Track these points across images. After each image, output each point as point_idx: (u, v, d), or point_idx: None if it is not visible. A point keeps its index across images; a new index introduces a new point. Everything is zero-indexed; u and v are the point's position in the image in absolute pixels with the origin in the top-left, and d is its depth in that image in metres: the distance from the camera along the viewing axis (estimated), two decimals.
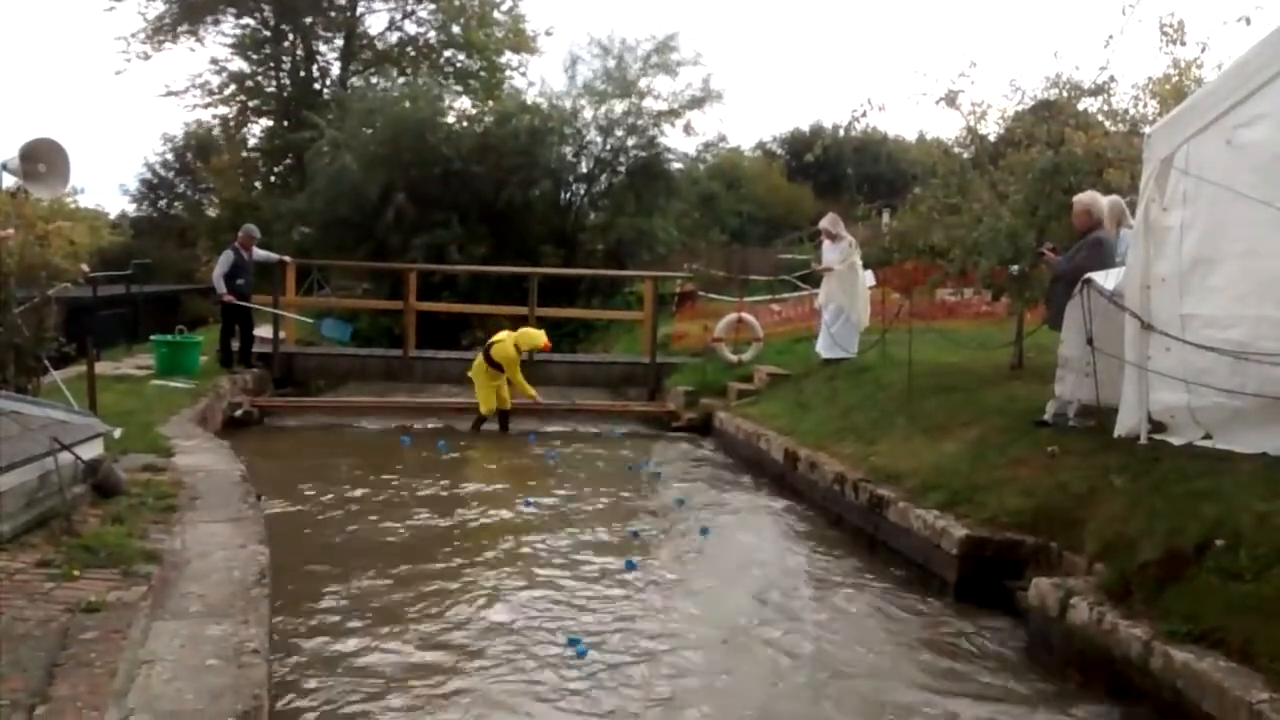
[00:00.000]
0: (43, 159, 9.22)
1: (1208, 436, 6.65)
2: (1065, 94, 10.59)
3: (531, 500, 9.41)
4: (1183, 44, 10.07)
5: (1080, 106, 10.72)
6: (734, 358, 14.76)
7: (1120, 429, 7.14)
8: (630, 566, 7.52)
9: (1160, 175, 6.92)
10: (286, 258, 16.00)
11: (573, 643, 5.86)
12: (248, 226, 14.87)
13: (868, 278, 13.27)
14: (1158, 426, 6.95)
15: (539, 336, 13.22)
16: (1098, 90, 10.55)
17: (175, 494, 7.11)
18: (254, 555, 5.88)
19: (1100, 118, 10.68)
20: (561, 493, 9.88)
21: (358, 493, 9.38)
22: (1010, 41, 55.45)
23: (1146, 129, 8.09)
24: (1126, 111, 10.66)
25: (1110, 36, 10.05)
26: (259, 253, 14.84)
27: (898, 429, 9.47)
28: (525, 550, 7.91)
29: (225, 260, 14.14)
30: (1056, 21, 55.42)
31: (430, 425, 13.42)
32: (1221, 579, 5.02)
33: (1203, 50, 10.04)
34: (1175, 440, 6.78)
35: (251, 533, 6.38)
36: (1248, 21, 8.47)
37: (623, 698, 5.20)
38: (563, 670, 5.52)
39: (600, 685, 5.33)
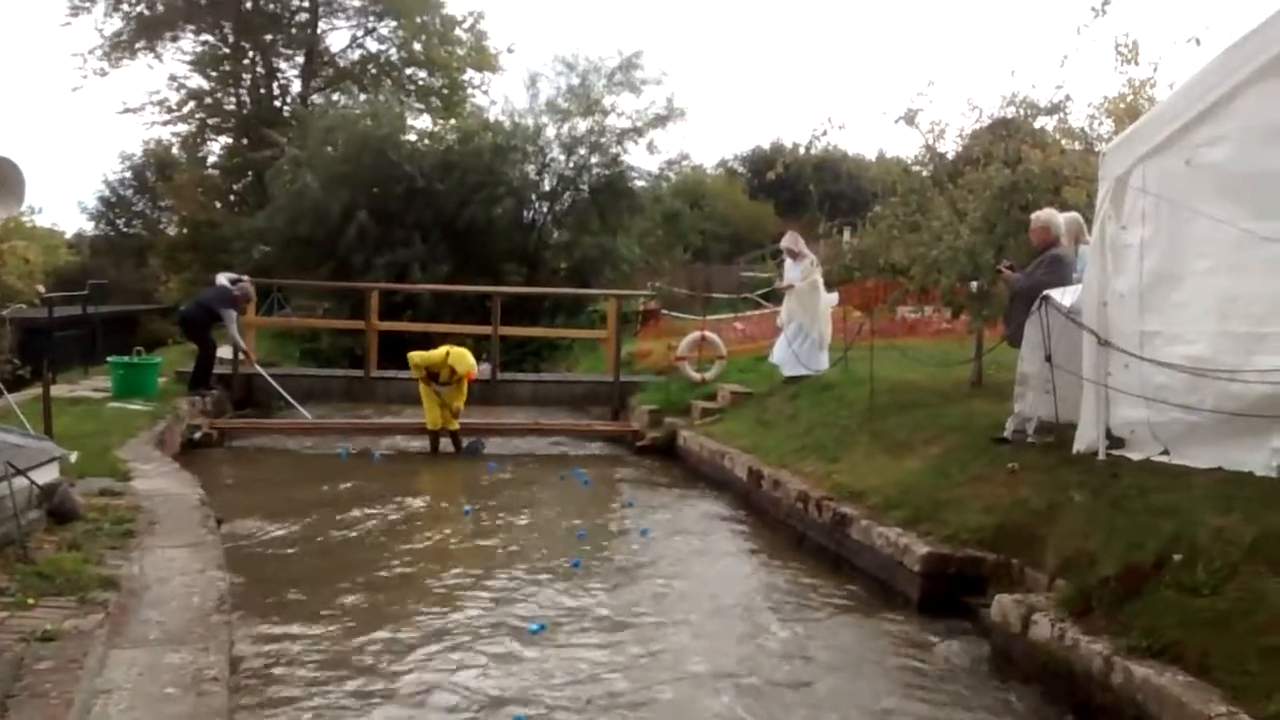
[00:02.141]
0: None
1: (1165, 452, 6.72)
2: (1022, 112, 10.75)
3: (471, 510, 9.75)
4: (1136, 64, 10.26)
5: (1037, 125, 10.90)
6: (698, 376, 14.78)
7: (1079, 445, 7.21)
8: (575, 565, 7.82)
9: (1116, 193, 7.02)
10: (245, 278, 15.85)
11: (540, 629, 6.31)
12: (247, 289, 15.02)
13: (831, 298, 13.32)
14: (1116, 442, 7.02)
15: (465, 358, 12.84)
16: (1054, 109, 10.73)
17: (133, 519, 7.00)
18: (213, 581, 5.81)
19: (1057, 136, 10.84)
20: (505, 501, 10.21)
21: (313, 513, 9.29)
22: (968, 61, 56.21)
23: (1102, 147, 8.21)
24: (1082, 130, 10.84)
25: (1065, 56, 10.22)
26: (221, 277, 14.88)
27: (860, 446, 9.51)
28: (473, 557, 8.16)
29: (232, 318, 14.28)
30: (1013, 41, 56.23)
31: (389, 447, 13.31)
32: (1179, 593, 5.07)
33: (1155, 70, 10.25)
34: (1134, 455, 6.86)
35: (210, 557, 6.31)
36: (1198, 42, 8.62)
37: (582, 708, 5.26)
38: (516, 668, 5.69)
39: (558, 700, 5.34)
